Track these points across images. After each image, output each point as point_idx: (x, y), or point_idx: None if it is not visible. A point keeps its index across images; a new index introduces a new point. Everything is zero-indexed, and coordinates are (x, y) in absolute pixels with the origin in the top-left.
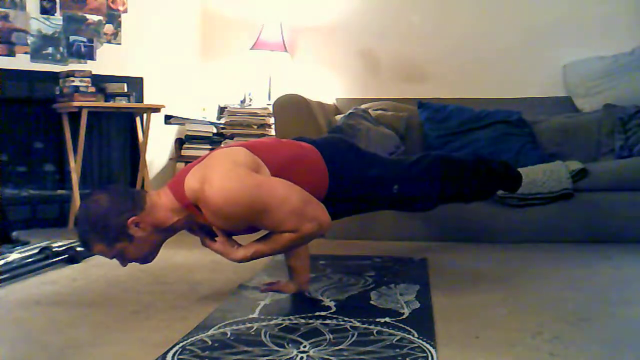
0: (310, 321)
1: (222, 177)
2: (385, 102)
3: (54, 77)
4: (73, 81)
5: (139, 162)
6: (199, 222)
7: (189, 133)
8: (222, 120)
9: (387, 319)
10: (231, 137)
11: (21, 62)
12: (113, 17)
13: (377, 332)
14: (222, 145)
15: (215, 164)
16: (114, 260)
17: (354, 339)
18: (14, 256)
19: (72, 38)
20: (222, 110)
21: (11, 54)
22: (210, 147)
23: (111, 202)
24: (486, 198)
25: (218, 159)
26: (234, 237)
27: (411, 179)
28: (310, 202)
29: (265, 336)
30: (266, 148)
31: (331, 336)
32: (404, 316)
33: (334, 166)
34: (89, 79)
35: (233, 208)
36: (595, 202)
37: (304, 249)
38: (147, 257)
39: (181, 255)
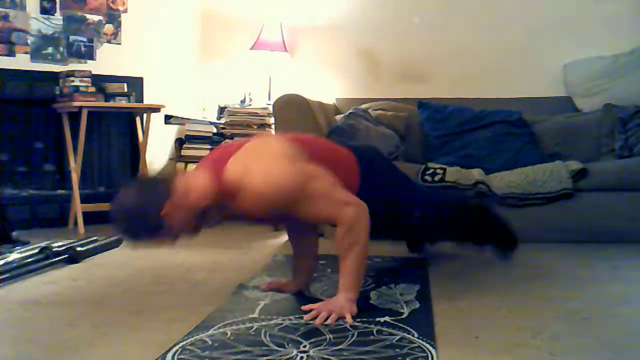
0: (310, 321)
1: (268, 164)
2: (385, 102)
3: (54, 77)
4: (73, 81)
5: (139, 162)
6: (225, 211)
7: (189, 133)
8: (222, 120)
9: (387, 319)
10: (231, 137)
11: (21, 62)
12: (113, 17)
13: (376, 332)
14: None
15: (260, 151)
16: (114, 260)
17: (353, 338)
18: (14, 256)
19: (72, 38)
20: (222, 110)
21: (11, 54)
22: (210, 147)
23: (142, 197)
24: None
25: (262, 147)
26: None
27: (433, 209)
28: (344, 190)
29: (265, 336)
30: (306, 141)
31: (331, 336)
32: (404, 316)
33: (367, 174)
34: (89, 79)
35: (278, 194)
36: (595, 202)
37: (312, 250)
38: (190, 236)
39: (181, 255)
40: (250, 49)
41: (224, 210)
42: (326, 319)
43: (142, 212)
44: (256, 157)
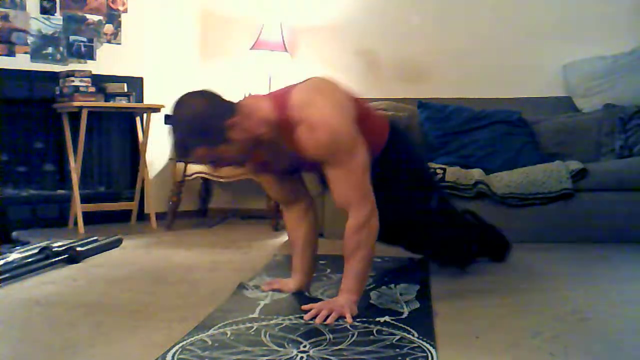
0: (310, 321)
1: (332, 108)
2: (385, 102)
3: (54, 77)
4: (73, 81)
5: (139, 162)
6: (278, 143)
7: None
8: None
9: (387, 319)
10: None
11: (21, 62)
12: (113, 17)
13: (376, 332)
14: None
15: (327, 92)
16: (114, 260)
17: (353, 338)
18: (14, 256)
19: (72, 38)
20: None
21: (11, 54)
22: None
23: (210, 105)
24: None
25: (329, 88)
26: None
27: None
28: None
29: (265, 336)
30: (355, 97)
31: (331, 336)
32: (404, 316)
33: (393, 145)
34: (89, 79)
35: (328, 136)
36: (595, 202)
37: (312, 249)
38: (241, 162)
39: (181, 255)
40: (250, 49)
41: (277, 142)
42: (326, 319)
43: (209, 118)
44: (322, 94)
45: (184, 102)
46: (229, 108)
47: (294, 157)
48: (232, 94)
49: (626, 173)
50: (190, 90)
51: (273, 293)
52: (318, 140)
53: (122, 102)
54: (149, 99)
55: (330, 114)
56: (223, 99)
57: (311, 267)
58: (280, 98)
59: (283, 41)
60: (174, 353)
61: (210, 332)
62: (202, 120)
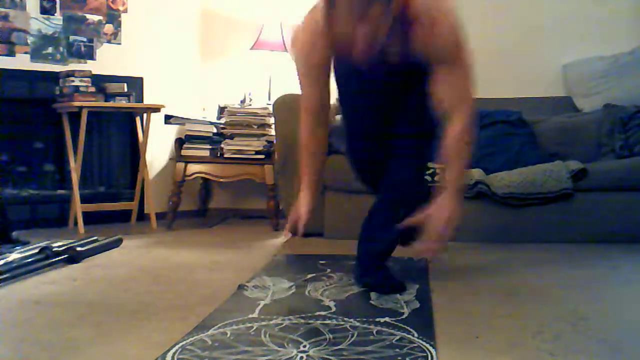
0: (310, 321)
1: (452, 10)
2: None
3: (54, 77)
4: (73, 81)
5: (139, 162)
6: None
7: (189, 133)
8: (222, 120)
9: (387, 319)
10: (231, 137)
11: (21, 62)
12: (113, 17)
13: (376, 332)
14: None
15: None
16: (114, 260)
17: (353, 338)
18: (14, 256)
19: (72, 38)
20: (222, 110)
21: (11, 53)
22: (210, 147)
23: None
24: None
25: None
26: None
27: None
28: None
29: (265, 336)
30: None
31: (331, 336)
32: (404, 316)
33: None
34: (89, 79)
35: (448, 31)
36: (595, 202)
37: (325, 159)
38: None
39: (181, 255)
40: (250, 49)
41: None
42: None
43: None
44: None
45: None
46: None
47: (400, 49)
48: (232, 94)
49: (626, 173)
50: None
51: (273, 293)
52: (437, 35)
53: (122, 102)
54: (149, 99)
55: (451, 14)
56: None
57: (320, 182)
58: None
59: (283, 41)
60: (174, 353)
61: (210, 332)
62: None
